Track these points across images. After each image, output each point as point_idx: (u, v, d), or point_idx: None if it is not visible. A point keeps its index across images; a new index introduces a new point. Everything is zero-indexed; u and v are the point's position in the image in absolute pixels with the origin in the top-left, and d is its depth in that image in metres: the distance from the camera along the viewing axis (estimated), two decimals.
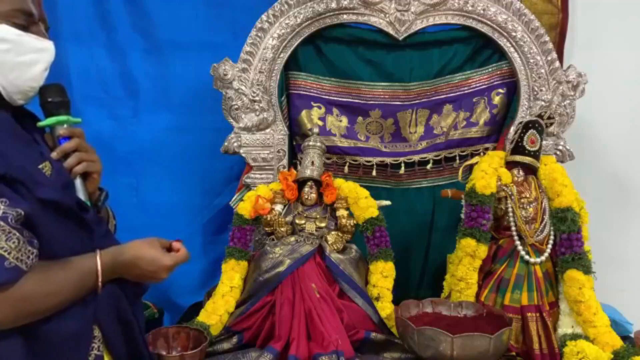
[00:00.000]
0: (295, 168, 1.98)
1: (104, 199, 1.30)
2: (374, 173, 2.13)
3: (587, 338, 1.67)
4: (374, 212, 1.84)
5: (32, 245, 1.00)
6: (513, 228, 1.79)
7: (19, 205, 0.99)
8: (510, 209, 1.80)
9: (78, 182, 1.22)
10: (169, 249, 1.21)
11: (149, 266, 1.15)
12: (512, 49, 2.04)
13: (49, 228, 1.04)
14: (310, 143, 1.93)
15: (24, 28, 1.08)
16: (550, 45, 2.03)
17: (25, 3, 1.09)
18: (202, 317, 1.72)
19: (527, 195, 1.82)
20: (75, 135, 1.22)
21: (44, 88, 1.18)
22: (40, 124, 1.22)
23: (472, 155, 2.11)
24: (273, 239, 1.84)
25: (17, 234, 0.97)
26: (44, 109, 1.23)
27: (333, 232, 1.84)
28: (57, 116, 1.22)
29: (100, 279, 1.09)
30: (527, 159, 1.83)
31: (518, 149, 1.85)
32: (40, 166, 1.08)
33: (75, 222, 1.13)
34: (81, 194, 1.21)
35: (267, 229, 1.86)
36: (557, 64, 2.05)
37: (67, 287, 1.05)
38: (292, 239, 1.81)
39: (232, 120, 2.01)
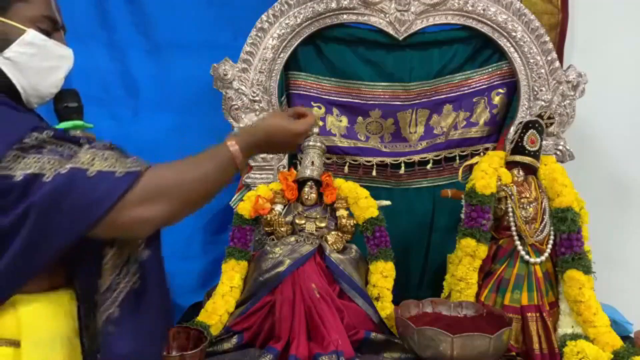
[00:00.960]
0: (295, 168, 1.98)
1: None
2: (374, 173, 2.13)
3: (587, 338, 1.67)
4: (374, 212, 1.84)
5: (130, 156, 1.02)
6: (513, 228, 1.79)
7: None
8: (510, 209, 1.80)
9: None
10: (298, 117, 1.22)
11: (283, 137, 1.16)
12: (512, 49, 2.04)
13: None
14: (310, 143, 1.93)
15: (48, 34, 1.12)
16: (550, 45, 2.04)
17: (52, 10, 1.13)
18: (202, 317, 1.72)
19: (527, 195, 1.82)
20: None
21: (61, 93, 1.21)
22: (57, 127, 1.25)
23: (472, 155, 2.11)
24: (273, 239, 1.84)
25: (111, 152, 1.00)
26: (60, 113, 1.26)
27: (333, 232, 1.84)
28: (73, 121, 1.25)
29: (238, 164, 1.09)
30: (527, 159, 1.84)
31: (518, 149, 1.85)
32: None
33: None
34: None
35: (267, 229, 1.86)
36: (557, 64, 2.05)
37: (210, 170, 1.06)
38: (292, 239, 1.81)
39: (232, 120, 2.01)
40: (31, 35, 1.08)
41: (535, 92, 2.05)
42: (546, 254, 1.77)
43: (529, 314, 1.71)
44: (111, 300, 1.04)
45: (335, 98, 2.09)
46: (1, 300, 0.99)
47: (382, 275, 1.81)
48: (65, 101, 1.25)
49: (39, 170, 0.93)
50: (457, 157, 2.16)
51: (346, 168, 2.14)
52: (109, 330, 1.03)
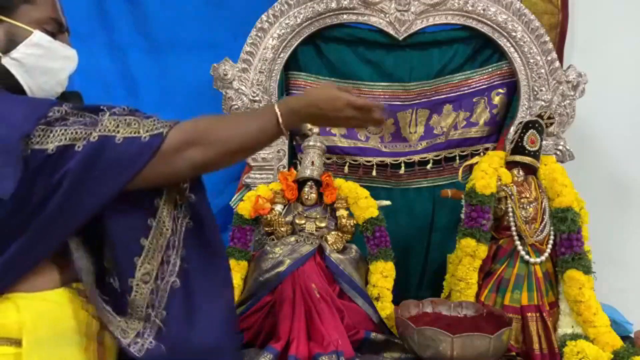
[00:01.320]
0: (295, 168, 1.98)
1: None
2: (374, 173, 2.13)
3: (587, 338, 1.67)
4: (374, 212, 1.84)
5: (150, 117, 1.10)
6: (513, 228, 1.79)
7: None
8: (510, 209, 1.80)
9: None
10: None
11: (329, 104, 1.15)
12: (512, 49, 2.04)
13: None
14: (310, 143, 1.93)
15: (53, 36, 1.14)
16: (550, 45, 2.04)
17: (57, 13, 1.15)
18: None
19: (527, 195, 1.82)
20: None
21: (64, 95, 1.23)
22: None
23: (472, 155, 2.11)
24: (273, 239, 1.84)
25: (132, 117, 1.07)
26: None
27: (333, 232, 1.84)
28: None
29: (282, 124, 1.12)
30: (527, 159, 1.83)
31: (518, 149, 1.85)
32: None
33: None
34: None
35: (267, 229, 1.86)
36: (557, 64, 2.05)
37: (249, 126, 1.12)
38: (292, 239, 1.81)
39: None
40: (38, 36, 1.10)
41: (535, 92, 2.05)
42: (546, 254, 1.77)
43: (529, 314, 1.71)
44: (172, 264, 1.10)
45: None
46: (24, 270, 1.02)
47: (382, 275, 1.81)
48: (71, 103, 1.27)
49: (70, 141, 0.98)
50: (457, 157, 2.16)
51: (346, 168, 2.14)
52: (172, 309, 1.08)
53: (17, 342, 1.00)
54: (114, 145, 1.00)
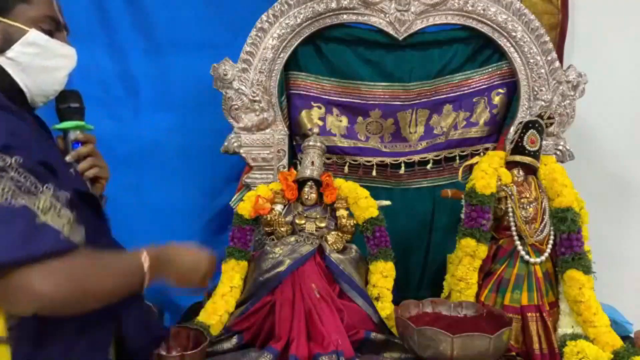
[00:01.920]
0: (295, 168, 1.98)
1: (104, 204, 1.34)
2: (374, 173, 2.13)
3: (587, 338, 1.67)
4: (374, 212, 1.84)
5: (80, 225, 1.03)
6: (513, 228, 1.79)
7: (61, 190, 1.02)
8: (510, 209, 1.80)
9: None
10: None
11: (189, 262, 1.21)
12: (512, 49, 2.04)
13: (80, 219, 1.07)
14: (310, 143, 1.93)
15: (50, 34, 1.13)
16: (550, 45, 2.03)
17: (54, 10, 1.14)
18: (202, 317, 1.72)
19: (527, 195, 1.82)
20: (89, 141, 1.27)
21: (63, 93, 1.23)
22: (59, 126, 1.29)
23: (472, 155, 2.11)
24: (273, 239, 1.84)
25: (68, 212, 1.01)
26: (61, 113, 1.29)
27: (333, 232, 1.84)
28: (75, 121, 1.27)
29: (147, 275, 1.10)
30: (527, 159, 1.83)
31: (518, 149, 1.85)
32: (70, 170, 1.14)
33: (96, 217, 1.17)
34: None
35: (267, 229, 1.86)
36: (557, 64, 2.05)
37: (117, 273, 1.07)
38: (292, 239, 1.81)
39: (232, 120, 2.01)
40: (33, 35, 1.10)
41: (535, 92, 2.05)
42: (546, 254, 1.77)
43: (529, 314, 1.71)
44: None
45: (335, 98, 2.09)
46: None
47: (382, 275, 1.81)
48: (68, 102, 1.28)
49: None
50: (457, 157, 2.16)
51: (346, 168, 2.14)
52: None
53: None
54: (32, 223, 0.93)
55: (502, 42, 2.03)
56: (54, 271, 0.95)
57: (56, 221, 0.97)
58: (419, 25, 2.01)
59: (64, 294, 0.97)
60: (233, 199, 2.04)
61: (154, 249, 1.13)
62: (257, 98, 1.99)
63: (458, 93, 2.12)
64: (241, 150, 2.02)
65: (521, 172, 1.85)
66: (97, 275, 1.03)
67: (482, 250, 1.78)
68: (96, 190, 1.29)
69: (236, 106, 1.99)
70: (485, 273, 1.81)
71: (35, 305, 0.96)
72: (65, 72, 1.19)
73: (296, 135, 2.12)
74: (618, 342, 1.66)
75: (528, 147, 1.83)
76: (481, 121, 2.14)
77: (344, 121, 2.11)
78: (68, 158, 1.23)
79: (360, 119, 2.11)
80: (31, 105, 1.17)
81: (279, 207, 1.88)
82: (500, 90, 2.12)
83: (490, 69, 2.12)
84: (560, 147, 2.07)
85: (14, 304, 0.97)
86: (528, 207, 1.81)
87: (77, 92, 1.31)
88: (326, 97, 2.08)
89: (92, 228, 1.11)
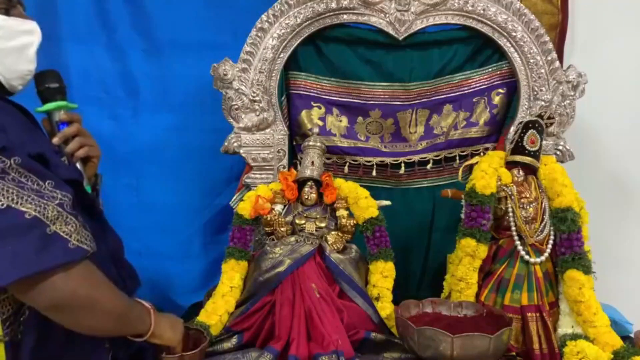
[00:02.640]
0: (295, 168, 1.98)
1: (100, 183, 1.32)
2: (374, 173, 2.13)
3: (587, 338, 1.67)
4: (374, 212, 1.84)
5: (86, 229, 1.03)
6: (513, 228, 1.79)
7: (63, 187, 1.02)
8: (510, 209, 1.80)
9: (79, 167, 1.23)
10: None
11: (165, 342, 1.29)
12: (512, 49, 2.04)
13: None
14: (310, 143, 1.93)
15: (6, 12, 1.08)
16: (550, 45, 2.03)
17: None
18: (202, 317, 1.72)
19: (527, 195, 1.82)
20: (74, 121, 1.24)
21: (40, 74, 1.19)
22: (41, 109, 1.24)
23: (472, 155, 2.11)
24: (273, 239, 1.84)
25: (74, 218, 1.00)
26: (42, 95, 1.25)
27: (333, 232, 1.84)
28: (56, 102, 1.24)
29: (152, 328, 1.19)
30: (527, 159, 1.83)
31: (518, 149, 1.85)
32: (62, 159, 1.13)
33: (88, 205, 1.15)
34: (84, 180, 1.23)
35: (267, 229, 1.86)
36: (557, 64, 2.05)
37: (127, 305, 1.13)
38: (292, 239, 1.81)
39: (232, 120, 2.01)
40: None
41: (535, 92, 2.05)
42: (546, 254, 1.77)
43: (529, 314, 1.71)
44: None
45: (335, 98, 2.09)
46: None
47: (382, 275, 1.81)
48: (46, 82, 1.23)
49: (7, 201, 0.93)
50: (457, 157, 2.16)
51: (346, 168, 2.14)
52: None
53: None
54: (43, 234, 0.95)
55: (502, 42, 2.03)
56: (69, 277, 0.99)
57: (64, 229, 0.98)
58: (419, 25, 2.01)
59: (85, 292, 1.02)
60: (233, 199, 2.04)
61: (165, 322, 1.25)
62: (257, 98, 1.99)
63: (458, 93, 2.12)
64: (241, 150, 2.02)
65: (521, 172, 1.85)
66: (109, 290, 1.08)
67: (482, 250, 1.78)
68: (89, 171, 1.27)
69: (236, 106, 1.99)
70: (485, 273, 1.81)
71: (52, 302, 1.00)
72: (34, 48, 1.13)
73: (296, 135, 2.12)
74: (618, 342, 1.65)
75: (528, 147, 1.83)
76: (481, 121, 2.14)
77: (344, 121, 2.11)
78: (55, 140, 1.20)
79: (360, 119, 2.11)
80: (10, 90, 1.13)
81: (279, 207, 1.88)
82: (500, 90, 2.12)
83: (490, 69, 2.12)
84: (560, 147, 2.07)
85: (32, 300, 1.01)
86: (528, 207, 1.81)
87: (55, 72, 1.25)
88: (326, 97, 2.08)
89: (86, 219, 1.12)
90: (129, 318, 1.13)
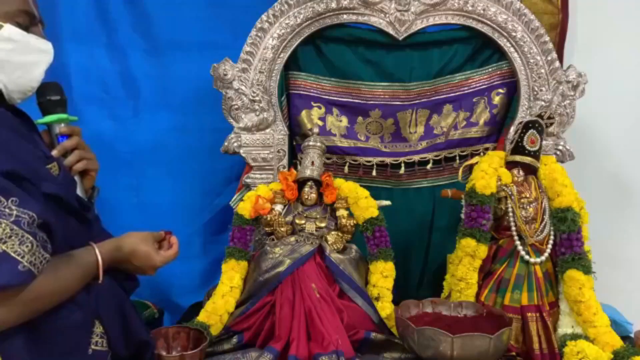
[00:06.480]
0: (295, 168, 1.98)
1: (97, 196, 1.32)
2: (374, 173, 2.13)
3: (587, 338, 1.67)
4: (374, 212, 1.84)
5: (45, 249, 1.00)
6: (513, 228, 1.79)
7: (29, 205, 0.99)
8: (510, 209, 1.80)
9: (77, 180, 1.23)
10: (162, 240, 1.31)
11: (141, 262, 1.23)
12: (512, 49, 2.04)
13: (56, 225, 1.05)
14: (310, 143, 1.93)
15: (26, 28, 1.10)
16: (550, 45, 2.03)
17: (28, 5, 1.11)
18: (202, 317, 1.72)
19: (527, 195, 1.82)
20: (74, 134, 1.24)
21: (42, 86, 1.19)
22: (41, 121, 1.24)
23: (472, 155, 2.11)
24: (273, 239, 1.84)
25: (31, 237, 0.97)
26: (43, 107, 1.25)
27: (333, 232, 1.84)
28: (57, 114, 1.24)
29: (101, 273, 1.13)
30: (527, 159, 1.83)
31: (518, 149, 1.85)
32: (48, 166, 1.10)
33: (77, 219, 1.14)
34: (79, 191, 1.22)
35: (267, 229, 1.86)
36: (557, 64, 2.05)
37: (72, 283, 1.09)
38: (292, 239, 1.81)
39: (232, 120, 2.01)
40: (8, 30, 1.07)
41: (535, 92, 2.05)
42: (546, 254, 1.77)
43: (529, 314, 1.71)
44: None
45: (335, 98, 2.09)
46: None
47: (382, 275, 1.81)
48: (48, 94, 1.24)
49: None
50: (457, 157, 2.16)
51: (346, 168, 2.14)
52: None
53: None
54: None
55: (502, 42, 2.03)
56: (6, 302, 0.96)
57: (17, 249, 0.95)
58: (419, 25, 2.01)
59: (17, 319, 1.00)
60: (233, 199, 2.04)
61: (108, 249, 1.17)
62: (257, 98, 1.99)
63: (458, 93, 2.12)
64: (241, 150, 2.02)
65: (521, 172, 1.85)
66: (53, 295, 1.05)
67: (482, 250, 1.78)
68: (87, 183, 1.27)
69: (236, 106, 1.99)
70: (485, 273, 1.81)
71: None
72: (43, 68, 1.15)
73: (296, 135, 2.12)
74: (618, 342, 1.65)
75: (528, 147, 1.83)
76: (481, 121, 2.14)
77: (344, 121, 2.11)
78: (54, 153, 1.20)
79: (360, 119, 2.11)
80: (8, 102, 1.14)
81: (279, 207, 1.88)
82: (500, 90, 2.12)
83: (490, 69, 2.12)
84: (560, 147, 2.07)
85: None
86: (528, 207, 1.81)
87: (56, 84, 1.26)
88: (326, 97, 2.09)
89: (73, 233, 1.12)
90: (77, 288, 1.10)
